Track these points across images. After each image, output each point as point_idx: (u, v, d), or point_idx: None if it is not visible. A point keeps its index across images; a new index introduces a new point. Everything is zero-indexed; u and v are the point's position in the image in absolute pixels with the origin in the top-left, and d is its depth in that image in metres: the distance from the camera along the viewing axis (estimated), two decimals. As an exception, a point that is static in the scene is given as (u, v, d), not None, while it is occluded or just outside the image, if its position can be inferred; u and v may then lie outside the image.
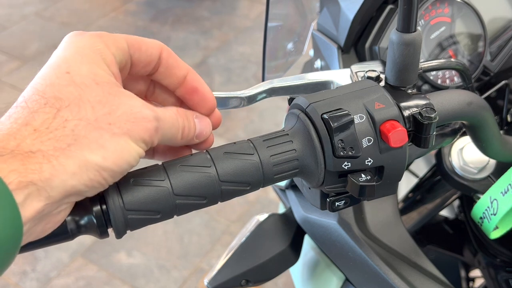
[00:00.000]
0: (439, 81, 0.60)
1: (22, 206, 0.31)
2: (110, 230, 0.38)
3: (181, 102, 0.45)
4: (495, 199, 0.57)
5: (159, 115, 0.38)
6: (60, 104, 0.35)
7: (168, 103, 0.46)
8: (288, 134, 0.41)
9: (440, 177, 0.69)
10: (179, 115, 0.41)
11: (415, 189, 0.76)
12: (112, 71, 0.38)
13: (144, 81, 0.45)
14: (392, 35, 0.44)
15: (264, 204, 1.95)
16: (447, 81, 0.60)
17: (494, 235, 0.59)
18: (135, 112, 0.36)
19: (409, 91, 0.45)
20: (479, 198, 0.61)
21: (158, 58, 0.42)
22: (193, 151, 0.44)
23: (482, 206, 0.59)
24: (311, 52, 0.75)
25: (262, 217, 0.71)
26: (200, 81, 0.44)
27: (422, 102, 0.43)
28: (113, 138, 0.35)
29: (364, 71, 0.53)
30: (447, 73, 0.60)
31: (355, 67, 0.55)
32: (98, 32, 0.39)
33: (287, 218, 0.71)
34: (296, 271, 0.77)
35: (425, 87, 0.60)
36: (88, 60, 0.37)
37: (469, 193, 0.65)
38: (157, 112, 0.38)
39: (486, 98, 0.64)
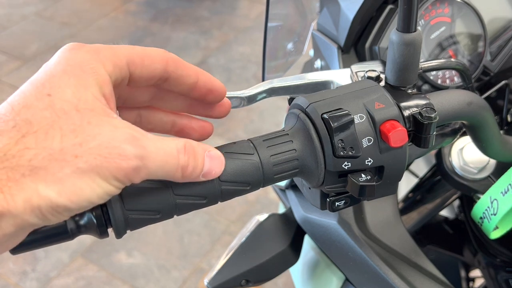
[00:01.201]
0: (439, 81, 0.60)
1: None
2: (110, 230, 0.38)
3: (193, 104, 0.44)
4: (495, 199, 0.57)
5: (147, 152, 0.34)
6: (27, 129, 0.32)
7: (179, 107, 0.44)
8: (288, 134, 0.41)
9: (440, 177, 0.69)
10: (181, 152, 0.36)
11: (415, 189, 0.76)
12: (104, 93, 0.35)
13: (150, 89, 0.43)
14: (392, 35, 0.44)
15: (264, 204, 1.95)
16: (447, 81, 0.60)
17: (494, 235, 0.59)
18: (111, 146, 0.32)
19: (409, 91, 0.45)
20: (479, 198, 0.60)
21: (164, 71, 0.39)
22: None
23: (482, 206, 0.59)
24: (311, 52, 0.75)
25: (262, 217, 0.71)
26: (212, 81, 0.42)
27: (422, 102, 0.43)
28: (75, 172, 0.31)
29: (364, 71, 0.53)
30: (447, 73, 0.60)
31: (355, 67, 0.55)
32: (96, 47, 0.36)
33: (287, 218, 0.71)
34: (296, 271, 0.77)
35: (425, 87, 0.60)
36: (75, 82, 0.34)
37: (469, 193, 0.65)
38: (144, 149, 0.33)
39: (486, 98, 0.64)
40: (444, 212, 0.82)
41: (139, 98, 0.43)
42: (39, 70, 0.35)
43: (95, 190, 0.32)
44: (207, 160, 0.38)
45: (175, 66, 0.40)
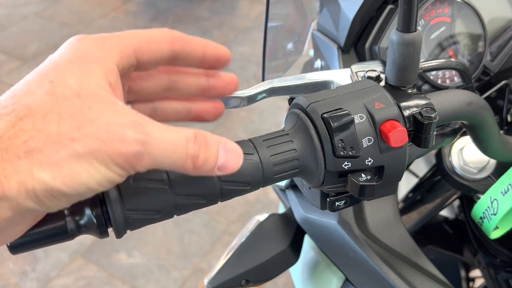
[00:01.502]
0: (439, 81, 0.60)
1: None
2: (110, 230, 0.38)
3: (204, 87, 0.45)
4: (495, 199, 0.57)
5: (151, 139, 0.32)
6: (25, 113, 0.31)
7: (191, 92, 0.45)
8: (288, 134, 0.41)
9: (440, 177, 0.69)
10: (191, 141, 0.34)
11: (415, 189, 0.76)
12: (110, 82, 0.34)
13: (161, 79, 0.43)
14: (392, 35, 0.44)
15: (264, 204, 1.95)
16: (447, 81, 0.60)
17: (494, 235, 0.59)
18: (110, 130, 0.31)
19: (409, 91, 0.45)
20: (479, 198, 0.60)
21: (171, 52, 0.39)
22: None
23: (482, 206, 0.59)
24: (311, 52, 0.75)
25: (262, 217, 0.71)
26: (218, 50, 0.42)
27: (422, 102, 0.43)
28: (71, 156, 0.31)
29: (364, 71, 0.53)
30: (447, 73, 0.60)
31: (355, 67, 0.55)
32: (102, 36, 0.36)
33: (287, 218, 0.71)
34: (296, 271, 0.77)
35: (425, 87, 0.60)
36: (80, 70, 0.33)
37: (469, 193, 0.64)
38: (148, 135, 0.32)
39: (486, 98, 0.64)
40: (444, 212, 0.82)
41: (151, 90, 0.43)
42: (45, 60, 0.35)
43: (93, 175, 0.31)
44: (221, 153, 0.36)
45: (181, 45, 0.40)
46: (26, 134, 0.31)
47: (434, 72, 0.59)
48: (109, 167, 0.32)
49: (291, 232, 0.69)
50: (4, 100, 0.32)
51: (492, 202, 0.57)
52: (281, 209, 0.80)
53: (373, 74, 0.49)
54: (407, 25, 0.42)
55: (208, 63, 0.43)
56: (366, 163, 0.40)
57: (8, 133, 0.31)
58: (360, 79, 0.54)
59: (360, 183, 0.39)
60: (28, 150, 0.30)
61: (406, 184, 0.80)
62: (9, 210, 0.30)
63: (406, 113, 0.42)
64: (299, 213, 0.67)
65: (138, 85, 0.43)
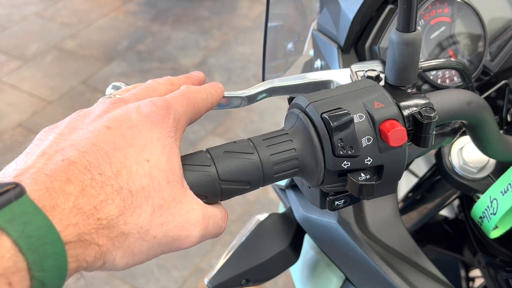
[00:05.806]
0: (439, 81, 0.60)
1: None
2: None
3: None
4: (495, 199, 0.57)
5: (208, 231, 0.39)
6: (130, 202, 0.34)
7: None
8: (288, 133, 0.41)
9: (440, 176, 0.69)
10: (224, 211, 0.41)
11: (415, 189, 0.76)
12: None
13: None
14: (392, 35, 0.44)
15: (264, 204, 1.95)
16: (447, 80, 0.60)
17: (494, 234, 0.59)
18: (184, 229, 0.37)
19: (409, 90, 0.45)
20: (479, 197, 0.61)
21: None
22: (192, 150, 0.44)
23: (482, 205, 0.59)
24: (311, 52, 0.75)
25: (262, 216, 0.71)
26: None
27: (421, 101, 0.43)
28: (148, 250, 0.36)
29: (364, 70, 0.53)
30: (447, 73, 0.60)
31: (355, 67, 0.55)
32: (178, 117, 0.39)
33: (287, 217, 0.71)
34: (296, 270, 0.77)
35: (425, 86, 0.60)
36: (168, 150, 0.37)
37: (469, 193, 0.65)
38: (206, 228, 0.38)
39: (486, 98, 0.64)
40: (444, 212, 0.82)
41: None
42: (133, 123, 0.37)
43: (150, 258, 0.37)
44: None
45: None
46: (126, 228, 0.34)
47: (434, 72, 0.60)
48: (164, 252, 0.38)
49: (291, 232, 0.69)
50: (109, 178, 0.34)
51: (491, 202, 0.57)
52: (281, 209, 0.80)
53: (373, 74, 0.49)
54: (407, 25, 0.42)
55: None
56: (366, 162, 0.40)
57: (113, 222, 0.34)
58: (359, 78, 0.54)
59: (360, 183, 0.39)
60: (121, 245, 0.34)
61: (406, 184, 0.80)
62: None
63: (406, 112, 0.42)
64: (299, 213, 0.67)
65: None
